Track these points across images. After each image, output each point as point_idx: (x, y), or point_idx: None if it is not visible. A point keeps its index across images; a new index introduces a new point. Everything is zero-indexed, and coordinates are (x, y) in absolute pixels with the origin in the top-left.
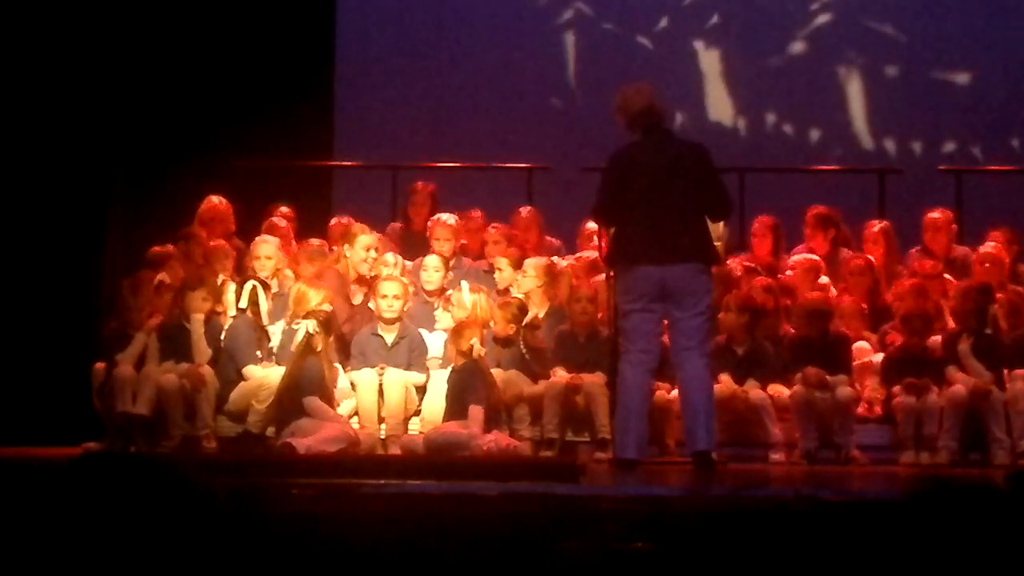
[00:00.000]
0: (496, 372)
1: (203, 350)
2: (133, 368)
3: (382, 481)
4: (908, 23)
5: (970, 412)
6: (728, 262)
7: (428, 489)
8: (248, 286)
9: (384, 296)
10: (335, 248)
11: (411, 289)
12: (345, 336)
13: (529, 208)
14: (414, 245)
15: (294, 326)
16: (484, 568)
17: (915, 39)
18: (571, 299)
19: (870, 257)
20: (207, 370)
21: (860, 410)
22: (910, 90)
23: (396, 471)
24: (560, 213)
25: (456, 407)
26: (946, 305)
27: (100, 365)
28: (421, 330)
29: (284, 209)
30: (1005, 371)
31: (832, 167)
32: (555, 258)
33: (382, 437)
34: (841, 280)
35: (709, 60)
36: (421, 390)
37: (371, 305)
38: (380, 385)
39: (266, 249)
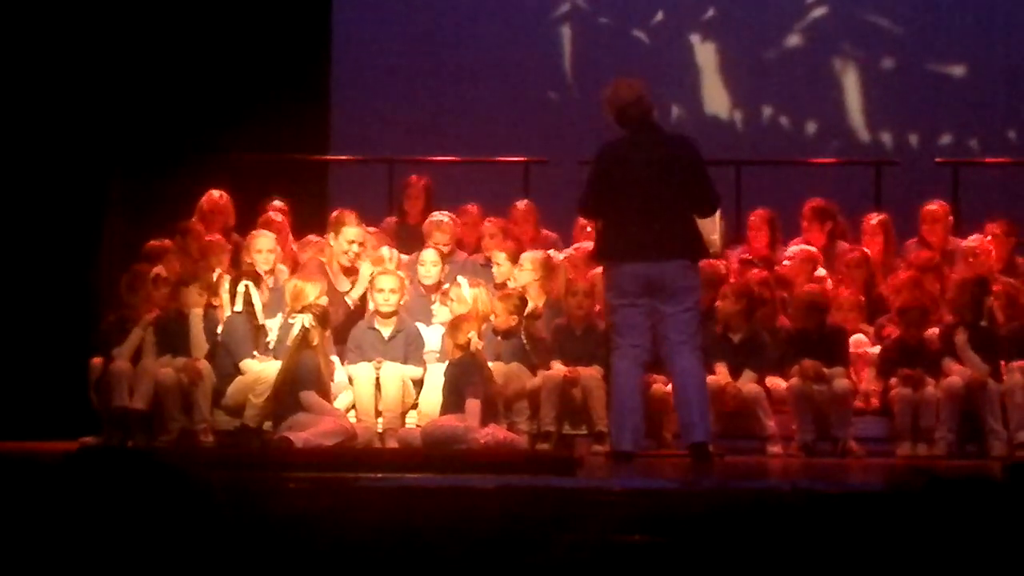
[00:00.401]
0: (498, 365)
1: (201, 344)
2: (130, 362)
3: (379, 475)
4: (904, 15)
5: (967, 404)
6: (725, 256)
7: (425, 482)
8: (240, 287)
9: (381, 290)
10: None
11: (407, 283)
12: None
13: (526, 201)
14: (410, 239)
15: (290, 320)
16: (482, 561)
17: (911, 31)
18: (567, 292)
19: (866, 249)
20: (204, 364)
21: (857, 402)
22: (906, 82)
23: (393, 465)
24: (557, 206)
25: (453, 400)
26: (942, 297)
27: (97, 359)
28: (418, 324)
29: (278, 203)
30: (1001, 363)
31: (829, 160)
32: (551, 251)
33: (379, 431)
34: (837, 272)
35: (705, 53)
36: (418, 384)
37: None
38: (377, 379)
39: (265, 243)
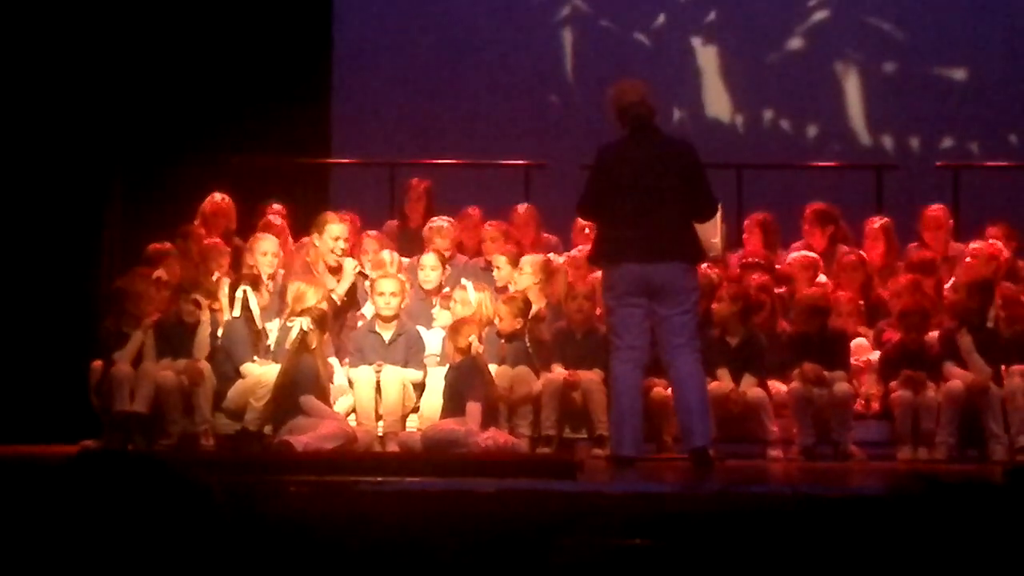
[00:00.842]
0: (503, 369)
1: (205, 347)
2: (131, 366)
3: (380, 478)
4: (906, 19)
5: (968, 408)
6: (725, 259)
7: (426, 486)
8: (239, 293)
9: (381, 293)
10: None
11: (408, 286)
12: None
13: (526, 205)
14: (411, 242)
15: (288, 324)
16: (482, 565)
17: (912, 35)
18: (568, 296)
19: (862, 252)
20: (205, 365)
21: (858, 406)
22: (907, 86)
23: (394, 468)
24: (557, 210)
25: (454, 404)
26: (943, 301)
27: (97, 363)
28: (419, 327)
29: (277, 206)
30: (1003, 367)
31: (830, 163)
32: (551, 255)
33: (380, 434)
34: (837, 276)
35: (706, 56)
36: (419, 387)
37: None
38: (377, 382)
39: (268, 246)
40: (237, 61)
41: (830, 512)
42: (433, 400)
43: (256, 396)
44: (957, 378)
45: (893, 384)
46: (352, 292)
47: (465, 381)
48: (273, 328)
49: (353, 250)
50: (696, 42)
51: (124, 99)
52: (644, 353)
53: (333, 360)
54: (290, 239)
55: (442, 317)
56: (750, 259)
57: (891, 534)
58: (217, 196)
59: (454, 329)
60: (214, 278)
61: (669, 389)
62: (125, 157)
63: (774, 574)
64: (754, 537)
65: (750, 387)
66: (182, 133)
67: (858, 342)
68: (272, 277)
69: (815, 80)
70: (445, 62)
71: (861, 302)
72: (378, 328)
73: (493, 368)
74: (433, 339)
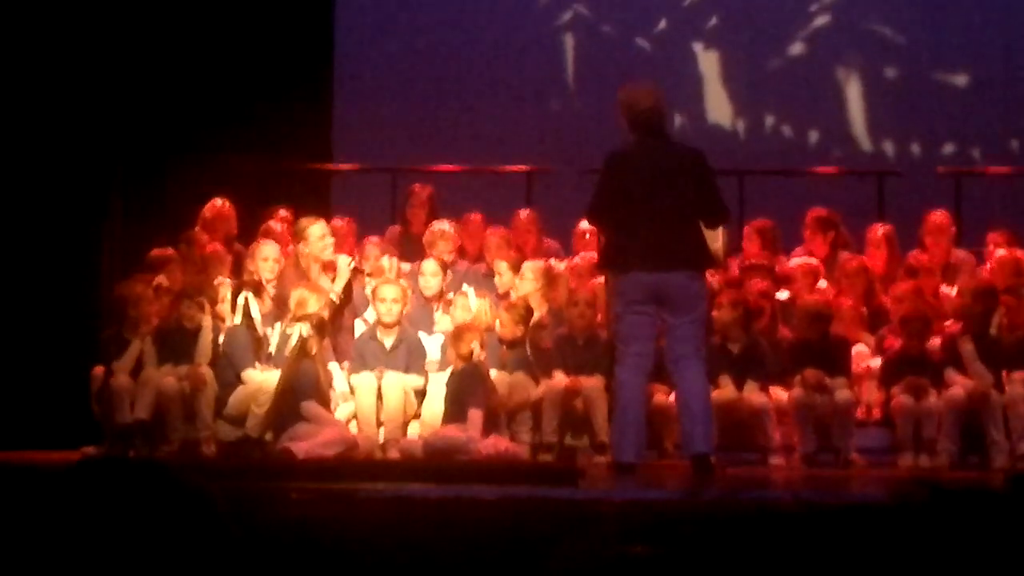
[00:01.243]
0: (502, 375)
1: (207, 353)
2: (129, 376)
3: (381, 485)
4: (907, 25)
5: (969, 415)
6: (727, 266)
7: (427, 493)
8: (240, 300)
9: (383, 300)
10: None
11: (410, 293)
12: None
13: (528, 211)
14: (413, 248)
15: (288, 330)
16: (482, 572)
17: (914, 41)
18: (569, 302)
19: (864, 259)
20: (207, 371)
21: (859, 413)
22: (909, 92)
23: (395, 475)
24: (560, 216)
25: (455, 410)
26: (944, 307)
27: (99, 369)
28: (420, 333)
29: (283, 212)
30: (1004, 373)
31: (831, 169)
32: (553, 261)
33: (381, 441)
34: (838, 282)
35: (708, 62)
36: (420, 394)
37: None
38: (379, 389)
39: (270, 251)
40: (238, 66)
41: (832, 519)
42: (434, 406)
43: (257, 403)
44: (958, 385)
45: (894, 391)
46: (348, 289)
47: (467, 388)
48: (274, 334)
49: (352, 254)
50: (697, 48)
51: (125, 104)
52: (650, 361)
53: (333, 365)
54: (291, 245)
55: (443, 323)
56: (750, 261)
57: (894, 542)
58: (218, 201)
59: (456, 335)
60: (216, 283)
61: (671, 396)
62: (126, 162)
63: None
64: (755, 544)
65: (753, 393)
66: (183, 138)
67: (859, 349)
68: (273, 282)
69: (816, 86)
70: (447, 67)
71: (863, 309)
72: (379, 335)
73: (494, 375)
74: (434, 345)
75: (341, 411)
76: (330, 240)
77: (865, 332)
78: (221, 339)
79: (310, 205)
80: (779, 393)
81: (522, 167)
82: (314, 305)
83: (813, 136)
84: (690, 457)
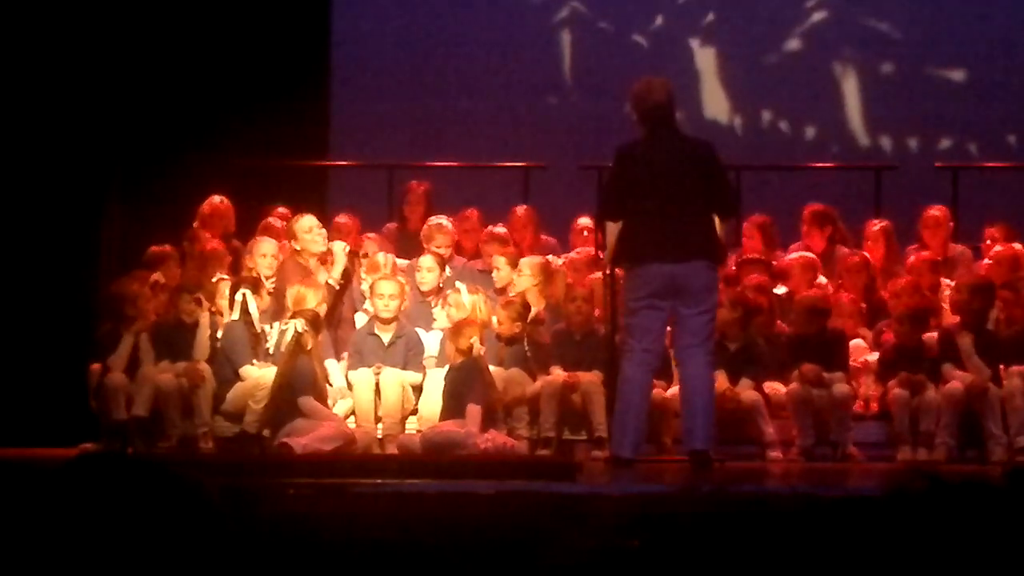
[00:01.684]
0: (498, 371)
1: (205, 349)
2: (124, 373)
3: (379, 480)
4: (904, 20)
5: (967, 409)
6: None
7: (425, 488)
8: (238, 296)
9: (380, 296)
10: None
11: (408, 289)
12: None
13: (525, 207)
14: (410, 244)
15: (283, 326)
16: (481, 567)
17: (911, 36)
18: (567, 298)
19: (866, 254)
20: (205, 367)
21: (857, 407)
22: (906, 87)
23: (393, 470)
24: (557, 212)
25: (453, 405)
26: (942, 301)
27: (96, 366)
28: (417, 329)
29: (282, 210)
30: (1001, 367)
31: (828, 164)
32: (551, 256)
33: (379, 437)
34: (837, 277)
35: (705, 58)
36: (418, 389)
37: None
38: (377, 384)
39: (269, 247)
40: (235, 63)
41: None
42: (432, 402)
43: (255, 399)
44: (956, 379)
45: (891, 384)
46: (347, 275)
47: (465, 383)
48: (273, 331)
49: (354, 258)
50: (694, 43)
51: (123, 101)
52: (657, 359)
53: (330, 362)
54: (288, 242)
55: (441, 319)
56: (748, 255)
57: (891, 534)
58: (216, 198)
59: (456, 330)
60: (214, 280)
61: (669, 391)
62: (124, 159)
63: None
64: (754, 538)
65: (745, 389)
66: (180, 135)
67: (857, 343)
68: (271, 278)
69: (813, 81)
70: (443, 64)
71: (862, 304)
72: (377, 330)
73: (492, 370)
74: (432, 341)
75: (339, 407)
76: (320, 233)
77: (863, 326)
78: (219, 335)
79: (307, 202)
80: (777, 387)
81: (519, 163)
82: (312, 301)
83: (810, 131)
84: (689, 452)
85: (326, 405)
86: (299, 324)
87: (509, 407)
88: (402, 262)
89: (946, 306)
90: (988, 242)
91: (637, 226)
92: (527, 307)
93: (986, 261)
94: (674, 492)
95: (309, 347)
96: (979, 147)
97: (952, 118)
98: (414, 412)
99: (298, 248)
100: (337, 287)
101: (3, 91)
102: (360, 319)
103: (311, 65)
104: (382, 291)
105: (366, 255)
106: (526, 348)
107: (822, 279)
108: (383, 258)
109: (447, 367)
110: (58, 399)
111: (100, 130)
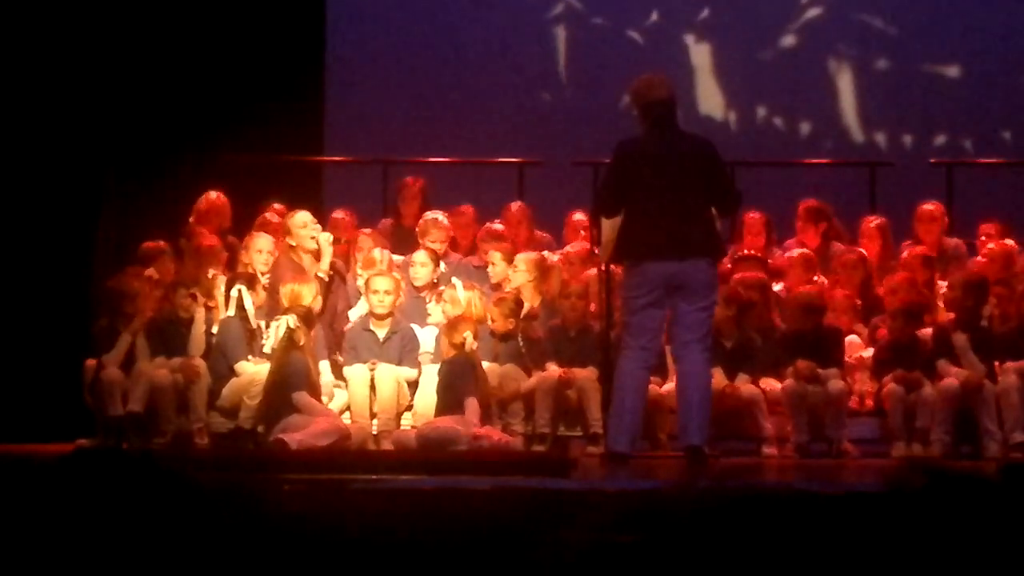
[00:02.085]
0: (493, 367)
1: (201, 344)
2: (120, 369)
3: (374, 476)
4: (899, 16)
5: (962, 405)
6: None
7: (420, 484)
8: (234, 292)
9: (375, 291)
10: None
11: (403, 284)
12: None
13: (519, 203)
14: (405, 241)
15: (274, 322)
16: (476, 562)
17: (906, 32)
18: (561, 294)
19: (862, 251)
20: (200, 363)
21: (852, 403)
22: (901, 83)
23: (388, 466)
24: (551, 207)
25: (447, 399)
26: (937, 297)
27: (91, 362)
28: (412, 325)
29: (278, 206)
30: (996, 364)
31: (823, 160)
32: (546, 252)
33: (374, 432)
34: (833, 273)
35: (699, 54)
36: (413, 385)
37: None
38: (372, 380)
39: (264, 243)
40: (230, 60)
41: (825, 509)
42: (427, 397)
43: (250, 394)
44: (951, 375)
45: (886, 380)
46: (333, 266)
47: (459, 378)
48: (269, 328)
49: (350, 247)
50: (689, 39)
51: (118, 98)
52: (654, 356)
53: (324, 363)
54: (283, 238)
55: (436, 315)
56: (744, 251)
57: (887, 529)
58: (212, 194)
59: (450, 326)
60: (210, 276)
61: (664, 387)
62: (119, 156)
63: (767, 570)
64: (748, 533)
65: (744, 385)
66: (176, 132)
67: (852, 339)
68: (267, 273)
69: (808, 77)
70: (438, 60)
71: (857, 300)
72: (372, 326)
73: (485, 366)
74: (427, 336)
75: (334, 402)
76: (315, 228)
77: (858, 323)
78: (215, 331)
79: (302, 198)
80: (772, 384)
81: (513, 159)
82: (306, 298)
83: (805, 127)
84: (684, 448)
85: (320, 400)
86: (291, 320)
87: (504, 403)
88: (397, 258)
89: (941, 304)
90: (982, 239)
91: (637, 223)
92: (520, 303)
93: (980, 258)
94: (670, 488)
95: (302, 343)
96: (974, 143)
97: (947, 114)
98: (409, 408)
99: (293, 244)
100: (326, 279)
101: (3, 86)
102: (355, 315)
103: (306, 61)
104: (377, 287)
105: (342, 241)
106: (520, 344)
107: (822, 279)
108: (378, 254)
109: (441, 361)
110: (54, 395)
111: (96, 126)
